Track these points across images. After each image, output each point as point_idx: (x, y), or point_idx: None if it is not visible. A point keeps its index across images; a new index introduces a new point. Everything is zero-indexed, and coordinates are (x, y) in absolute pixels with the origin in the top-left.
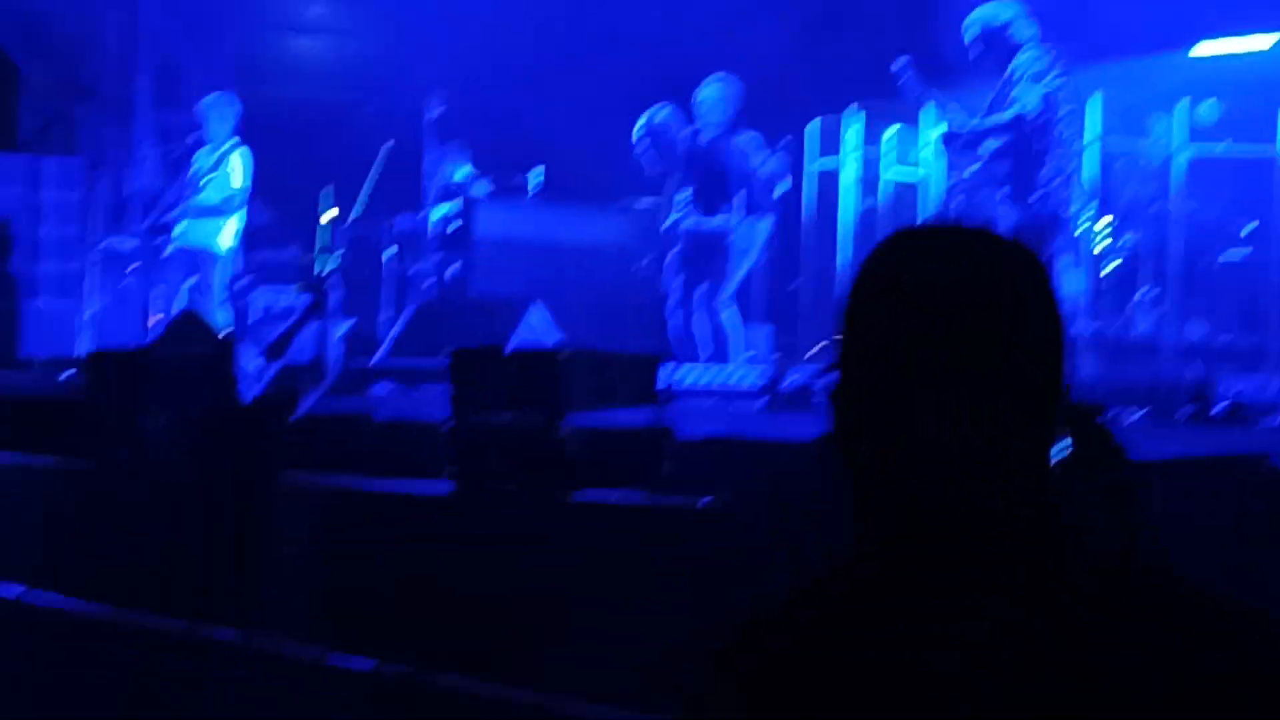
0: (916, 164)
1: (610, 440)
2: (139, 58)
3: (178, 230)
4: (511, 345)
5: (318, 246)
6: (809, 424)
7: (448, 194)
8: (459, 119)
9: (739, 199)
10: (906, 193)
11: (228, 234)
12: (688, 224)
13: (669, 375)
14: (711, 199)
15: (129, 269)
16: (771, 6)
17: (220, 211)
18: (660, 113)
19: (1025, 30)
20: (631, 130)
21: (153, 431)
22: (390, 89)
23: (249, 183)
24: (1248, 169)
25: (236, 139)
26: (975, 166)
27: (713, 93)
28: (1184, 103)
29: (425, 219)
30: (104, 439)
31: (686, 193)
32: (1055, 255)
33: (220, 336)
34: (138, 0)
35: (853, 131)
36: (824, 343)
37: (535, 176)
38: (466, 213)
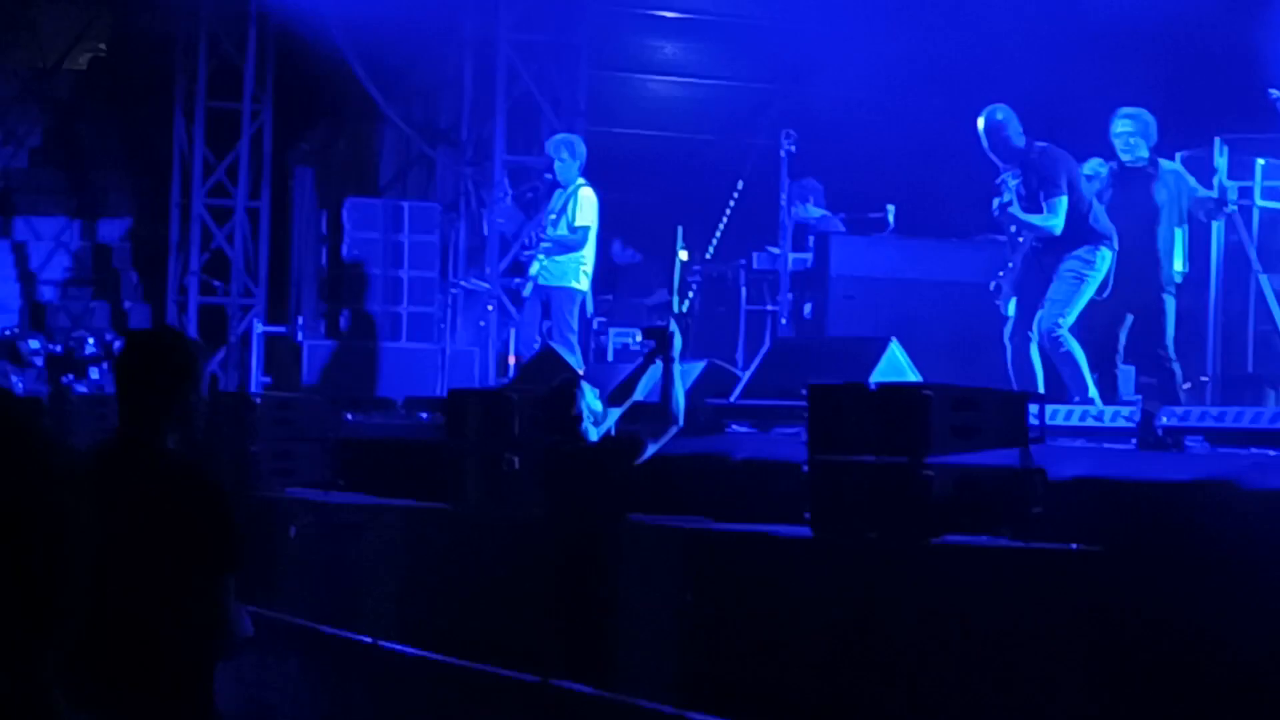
0: None
1: (976, 480)
2: (495, 101)
3: (534, 269)
4: (870, 384)
5: (672, 287)
6: (1183, 466)
7: (801, 232)
8: (811, 156)
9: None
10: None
11: (581, 273)
12: (1013, 210)
13: (1038, 413)
14: (1037, 203)
15: (486, 309)
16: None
17: (571, 249)
18: (997, 113)
19: None
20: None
21: (509, 472)
22: (741, 127)
23: (597, 220)
24: None
25: (583, 180)
26: None
27: (1125, 125)
28: None
29: (779, 257)
30: (462, 479)
31: (1014, 183)
32: None
33: (577, 373)
34: (495, 45)
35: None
36: (1192, 382)
37: (888, 213)
38: (820, 250)
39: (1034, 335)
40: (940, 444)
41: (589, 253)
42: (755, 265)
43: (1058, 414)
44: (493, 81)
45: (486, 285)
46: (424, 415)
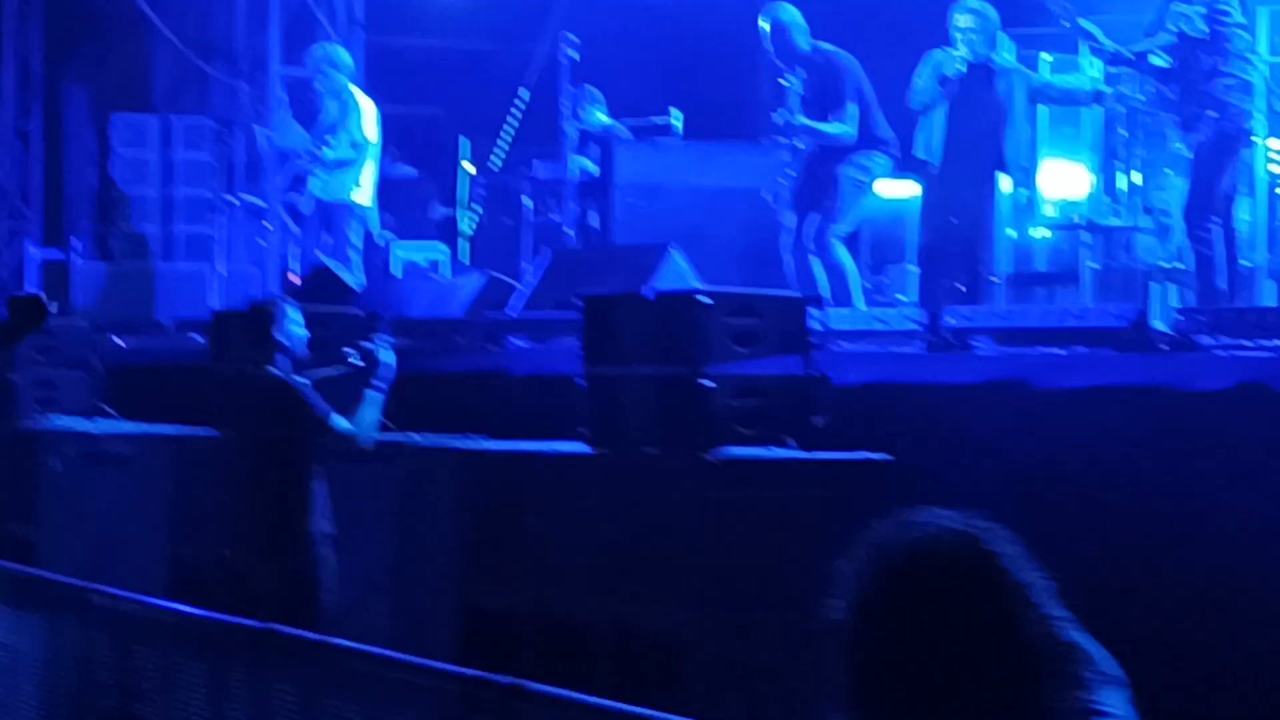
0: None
1: (757, 389)
2: (268, 12)
3: (312, 185)
4: (648, 293)
5: (457, 200)
6: (971, 368)
7: (585, 139)
8: (594, 62)
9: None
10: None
11: (362, 188)
12: (798, 123)
13: (821, 318)
14: (825, 109)
15: (265, 227)
16: None
17: (351, 163)
18: (781, 13)
19: None
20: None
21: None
22: (523, 35)
23: (379, 134)
24: None
25: (358, 90)
26: (1143, 93)
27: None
28: None
29: (563, 166)
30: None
31: (796, 98)
32: (1236, 177)
33: (354, 290)
34: None
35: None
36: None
37: (674, 118)
38: (604, 158)
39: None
40: (719, 353)
41: (370, 168)
42: (540, 176)
43: (841, 318)
44: None
45: (263, 203)
46: (195, 337)
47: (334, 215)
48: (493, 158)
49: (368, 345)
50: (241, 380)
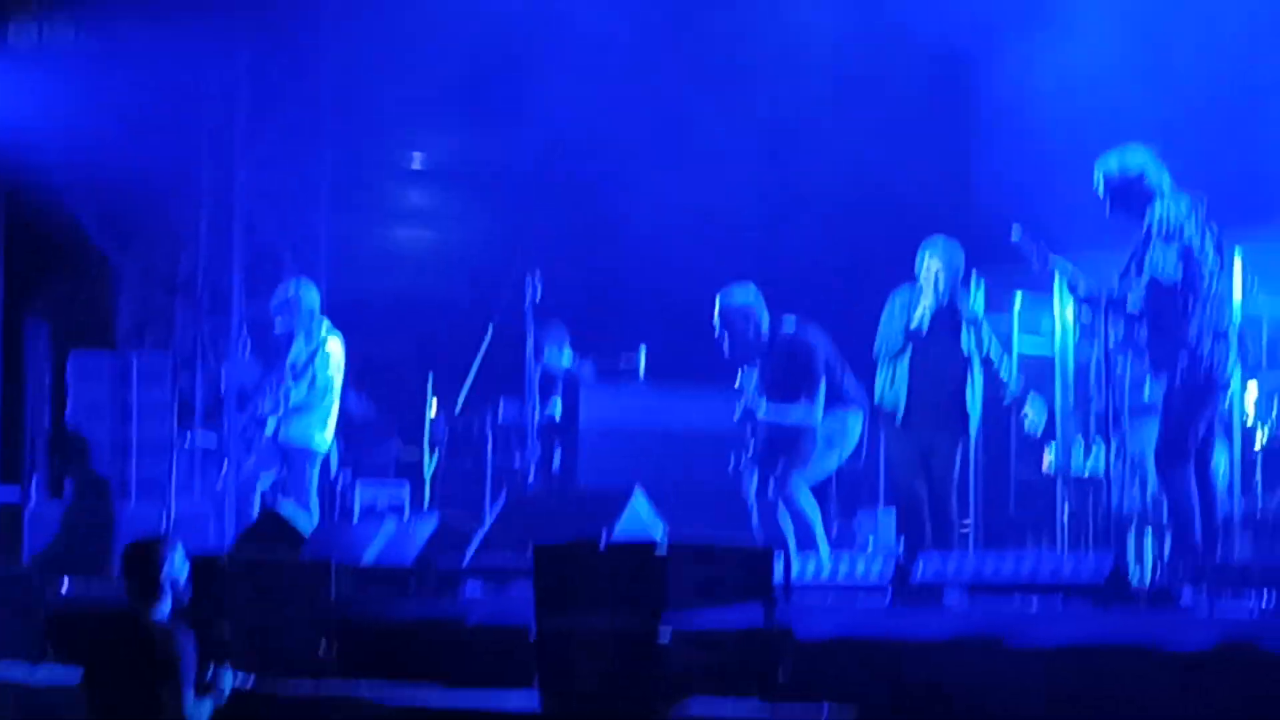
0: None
1: (718, 643)
2: (232, 249)
3: (271, 426)
4: (610, 539)
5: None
6: (940, 622)
7: (549, 379)
8: (559, 302)
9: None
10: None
11: (324, 428)
12: (763, 414)
13: (785, 569)
14: (787, 389)
15: (222, 468)
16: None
17: (315, 405)
18: (738, 295)
19: (1156, 177)
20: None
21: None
22: (489, 275)
23: (343, 375)
24: None
25: (328, 327)
26: (1116, 334)
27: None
28: None
29: (528, 408)
30: None
31: (754, 379)
32: (1211, 425)
33: (304, 536)
34: (233, 191)
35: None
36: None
37: (639, 358)
38: (568, 400)
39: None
40: (679, 604)
41: (332, 410)
42: (502, 418)
43: (806, 569)
44: (230, 229)
45: (219, 442)
46: None
47: (292, 459)
48: (458, 398)
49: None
50: (114, 621)
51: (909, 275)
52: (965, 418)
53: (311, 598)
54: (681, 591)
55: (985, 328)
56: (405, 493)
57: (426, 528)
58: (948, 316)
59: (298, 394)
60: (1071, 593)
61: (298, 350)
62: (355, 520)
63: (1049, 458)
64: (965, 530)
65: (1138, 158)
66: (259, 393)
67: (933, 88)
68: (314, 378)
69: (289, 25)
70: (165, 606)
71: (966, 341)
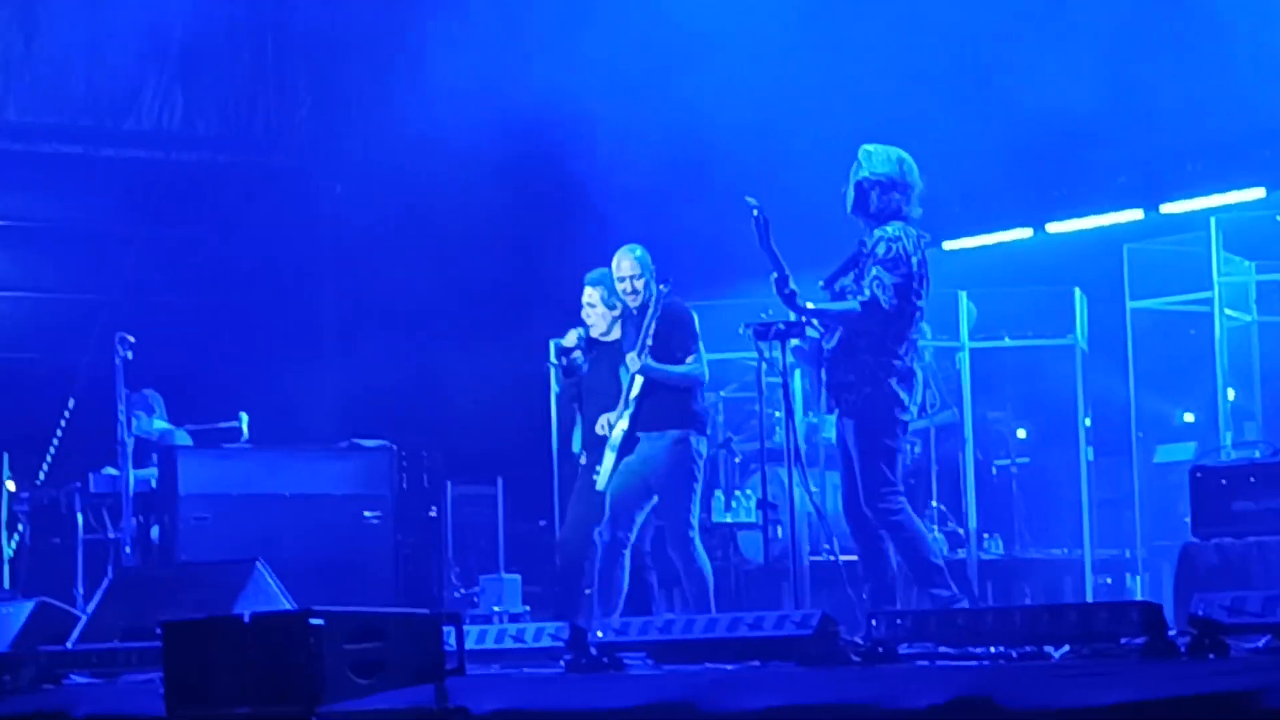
0: None
1: None
2: None
3: None
4: (242, 615)
5: None
6: (623, 690)
7: (143, 448)
8: (149, 366)
9: None
10: None
11: None
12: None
13: (458, 638)
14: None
15: None
16: None
17: None
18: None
19: (913, 209)
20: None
21: None
22: (68, 342)
23: None
24: None
25: None
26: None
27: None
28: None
29: (119, 478)
30: None
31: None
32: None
33: None
34: None
35: None
36: None
37: (242, 421)
38: (165, 467)
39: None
40: (337, 686)
41: None
42: (92, 488)
43: (485, 635)
44: None
45: None
46: None
47: None
48: (39, 473)
49: None
50: None
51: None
52: None
53: None
54: (339, 670)
55: None
56: None
57: (22, 611)
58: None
59: None
60: (776, 651)
61: None
62: None
63: None
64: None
65: (907, 171)
66: None
67: None
68: None
69: None
70: None
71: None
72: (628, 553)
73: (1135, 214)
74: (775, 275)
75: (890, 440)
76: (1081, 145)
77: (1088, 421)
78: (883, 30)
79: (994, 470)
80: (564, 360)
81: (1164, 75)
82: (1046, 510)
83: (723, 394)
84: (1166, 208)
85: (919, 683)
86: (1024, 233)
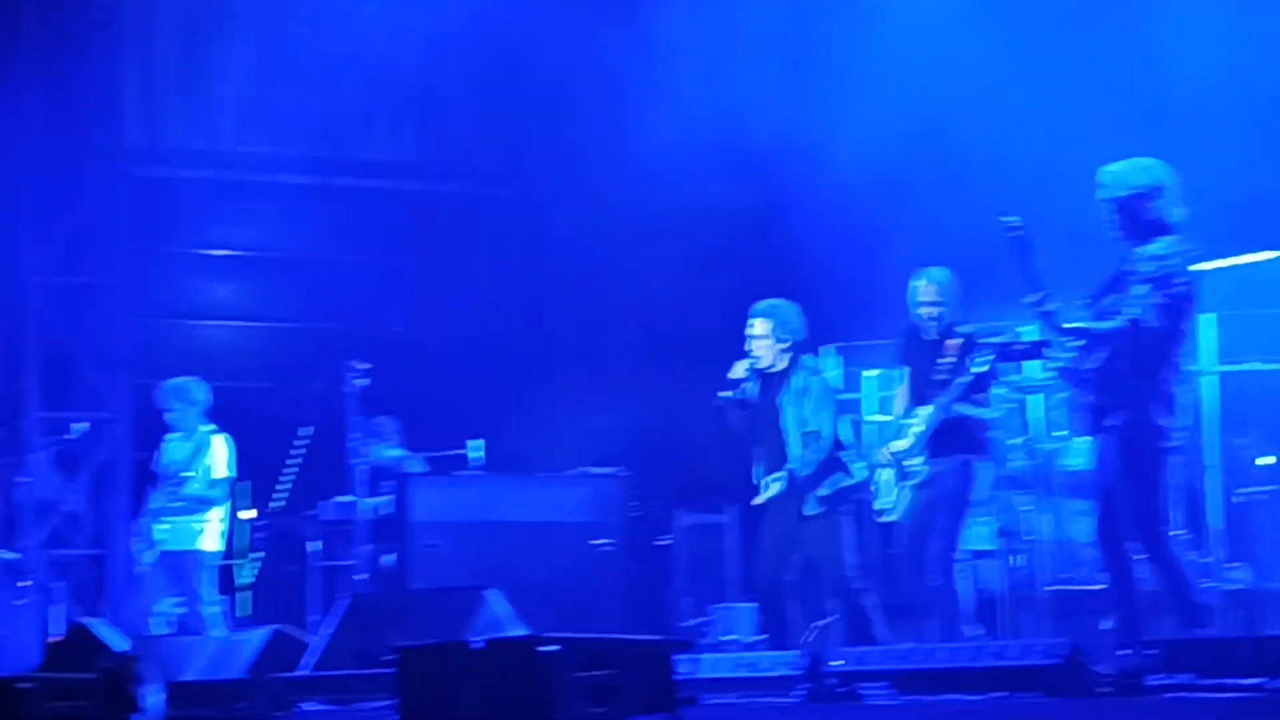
0: None
1: None
2: (25, 352)
3: (158, 533)
4: (472, 642)
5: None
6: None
7: (377, 475)
8: (383, 393)
9: None
10: None
11: (217, 534)
12: None
13: (689, 666)
14: None
15: (19, 586)
16: None
17: (206, 505)
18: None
19: (1175, 210)
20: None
21: None
22: (303, 371)
23: (234, 473)
24: None
25: (213, 426)
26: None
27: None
28: None
29: (353, 505)
30: None
31: None
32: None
33: (119, 655)
34: (24, 290)
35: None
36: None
37: (475, 449)
38: (399, 494)
39: None
40: (569, 712)
41: (225, 510)
42: (327, 516)
43: (718, 664)
44: (23, 331)
45: (17, 555)
46: None
47: (185, 566)
48: (274, 500)
49: None
50: None
51: None
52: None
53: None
54: (572, 697)
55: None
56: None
57: (255, 639)
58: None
59: (189, 492)
60: (1020, 682)
61: (174, 447)
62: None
63: None
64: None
65: (1161, 174)
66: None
67: None
68: (204, 474)
69: (76, 116)
70: None
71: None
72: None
73: None
74: (1037, 295)
75: (1156, 467)
76: None
77: None
78: (1129, 46)
79: (1235, 498)
80: (735, 394)
81: None
82: None
83: None
84: None
85: (1171, 715)
86: (1272, 254)
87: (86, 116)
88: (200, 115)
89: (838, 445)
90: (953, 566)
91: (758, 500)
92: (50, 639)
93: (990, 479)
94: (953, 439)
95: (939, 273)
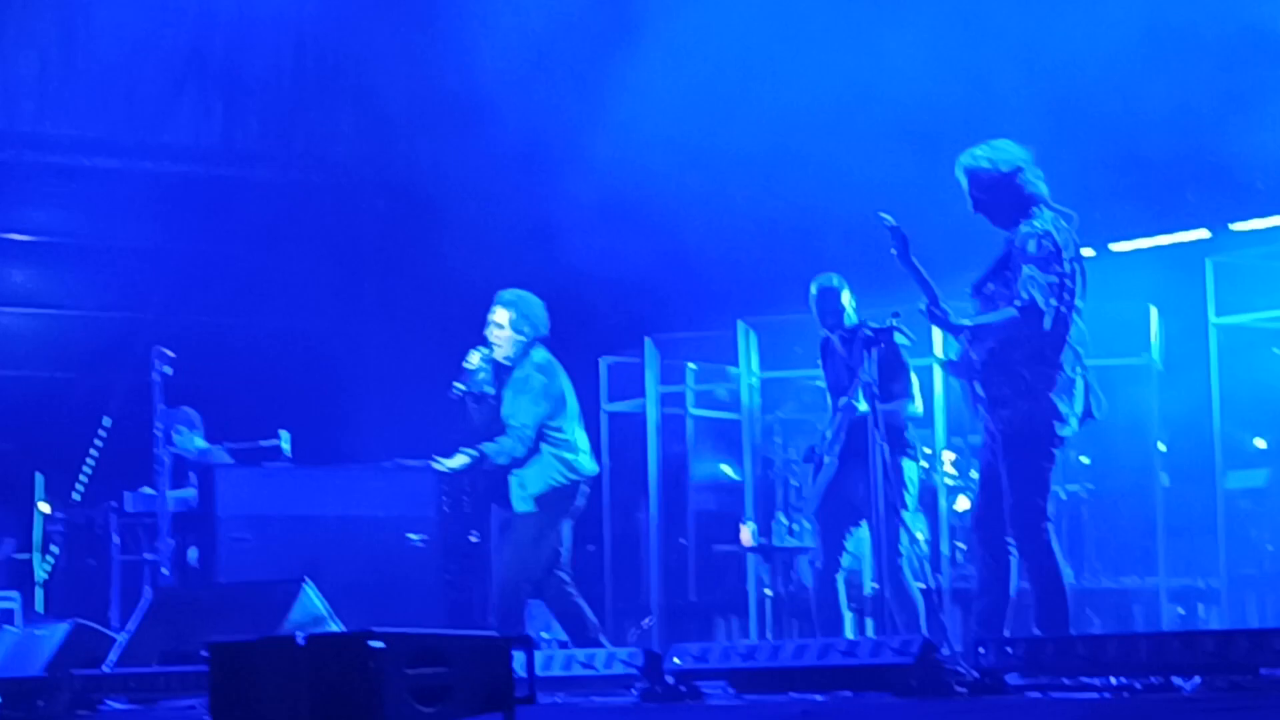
0: None
1: None
2: None
3: None
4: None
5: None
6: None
7: (182, 466)
8: (188, 384)
9: None
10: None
11: None
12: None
13: (528, 663)
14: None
15: None
16: None
17: None
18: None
19: (1040, 185)
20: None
21: None
22: (105, 360)
23: None
24: None
25: None
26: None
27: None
28: None
29: (156, 497)
30: None
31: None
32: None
33: None
34: None
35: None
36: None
37: (283, 441)
38: (204, 487)
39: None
40: (398, 714)
41: None
42: (128, 508)
43: (552, 662)
44: None
45: None
46: None
47: None
48: (73, 493)
49: None
50: None
51: None
52: None
53: None
54: (400, 697)
55: None
56: (16, 600)
57: (55, 635)
58: None
59: None
60: (870, 681)
61: None
62: None
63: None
64: (649, 624)
65: (1015, 153)
66: None
67: None
68: None
69: None
70: None
71: None
72: None
73: (1203, 233)
74: (925, 300)
75: (1045, 461)
76: (1144, 166)
77: (1162, 446)
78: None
79: (1062, 496)
80: (465, 384)
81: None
82: (1118, 537)
83: (779, 414)
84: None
85: (1030, 717)
86: (1087, 251)
87: None
88: None
89: (565, 445)
90: (900, 565)
91: (440, 465)
92: None
93: (915, 476)
94: (866, 437)
95: (825, 279)
